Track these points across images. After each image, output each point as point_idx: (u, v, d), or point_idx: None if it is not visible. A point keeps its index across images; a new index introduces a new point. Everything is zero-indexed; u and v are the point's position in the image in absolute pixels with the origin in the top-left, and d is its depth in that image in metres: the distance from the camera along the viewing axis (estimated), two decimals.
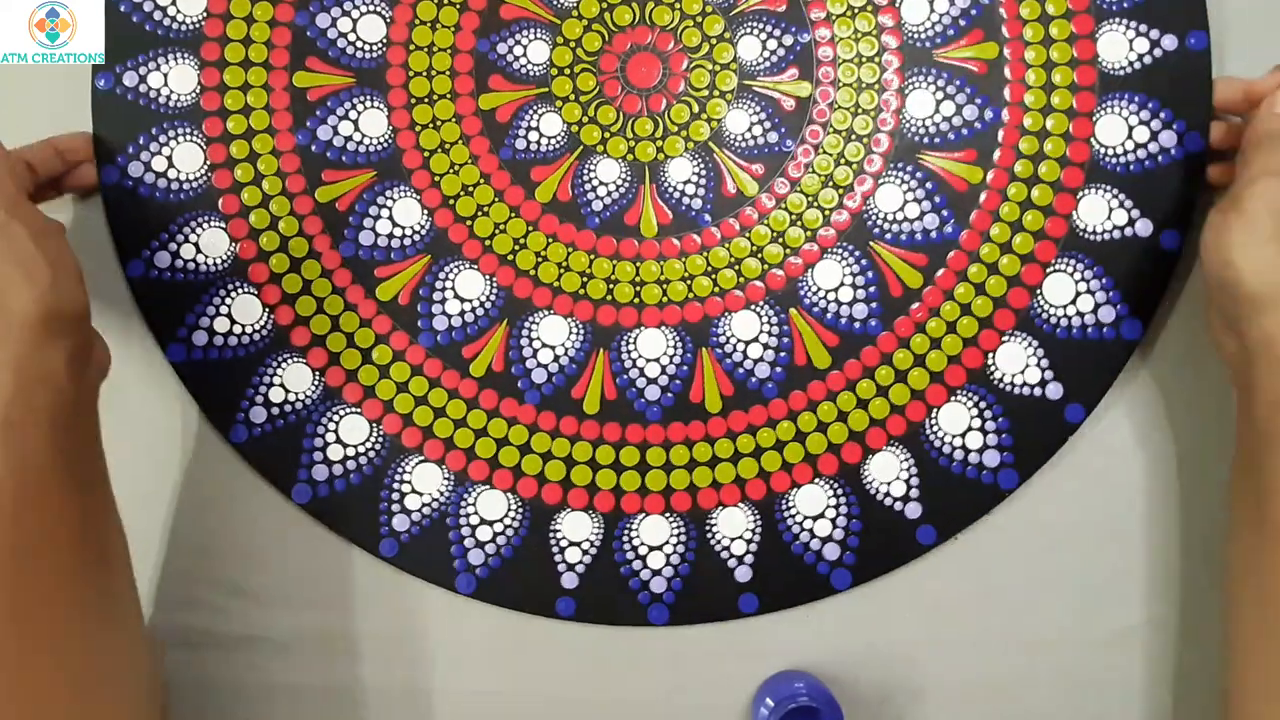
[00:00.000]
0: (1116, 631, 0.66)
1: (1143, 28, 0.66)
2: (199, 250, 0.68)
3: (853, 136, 0.67)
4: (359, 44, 0.68)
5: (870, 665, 0.66)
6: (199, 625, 0.66)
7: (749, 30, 0.68)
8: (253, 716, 0.67)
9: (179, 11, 0.68)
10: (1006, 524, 0.66)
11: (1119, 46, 0.66)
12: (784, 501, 0.66)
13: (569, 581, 0.66)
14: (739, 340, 0.67)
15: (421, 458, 0.67)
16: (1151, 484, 0.66)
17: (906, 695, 0.66)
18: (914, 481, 0.65)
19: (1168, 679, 0.65)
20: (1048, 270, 0.66)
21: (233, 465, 0.67)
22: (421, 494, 0.66)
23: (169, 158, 0.68)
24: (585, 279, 0.67)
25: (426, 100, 0.68)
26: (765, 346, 0.67)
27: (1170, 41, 0.65)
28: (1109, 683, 0.66)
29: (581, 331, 0.67)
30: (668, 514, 0.66)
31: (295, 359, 0.67)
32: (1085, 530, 0.66)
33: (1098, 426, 0.66)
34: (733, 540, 0.66)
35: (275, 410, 0.67)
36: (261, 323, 0.67)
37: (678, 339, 0.67)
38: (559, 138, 0.68)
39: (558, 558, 0.66)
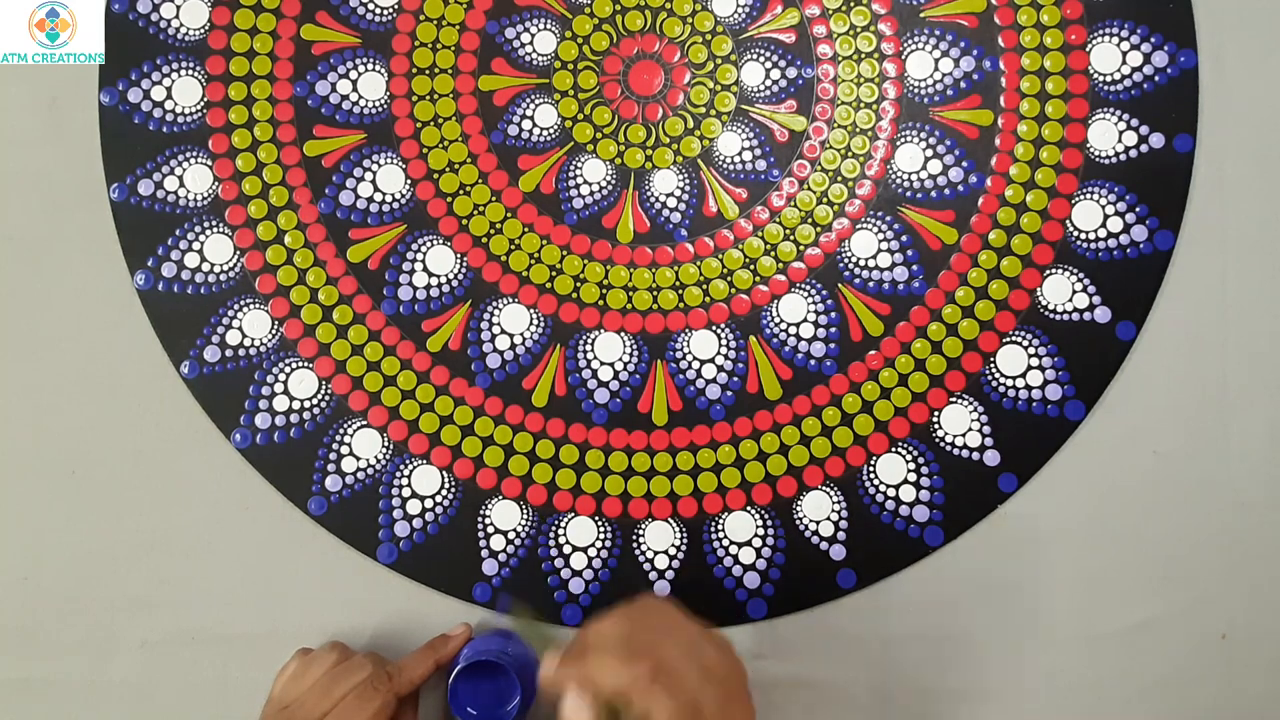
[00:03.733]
0: (1116, 631, 0.66)
1: (1134, 122, 0.67)
2: (182, 184, 0.68)
3: (839, 178, 0.68)
4: (371, 6, 0.69)
5: (869, 664, 0.67)
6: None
7: (755, 57, 0.68)
8: None
9: None
10: (1007, 523, 0.66)
11: (1108, 135, 0.67)
12: (713, 524, 0.67)
13: (489, 568, 0.66)
14: (695, 358, 0.67)
15: (365, 422, 0.67)
16: (1152, 484, 0.67)
17: (905, 695, 0.67)
18: (843, 524, 0.66)
19: (1168, 678, 0.66)
20: (1004, 340, 0.67)
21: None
22: (359, 458, 0.67)
23: (168, 89, 0.68)
24: (554, 273, 0.68)
25: (427, 72, 0.69)
26: (720, 369, 0.67)
27: (1158, 140, 0.66)
28: (1109, 683, 0.66)
29: (542, 324, 0.68)
30: (597, 517, 0.67)
31: (257, 305, 0.68)
32: (1085, 530, 0.67)
33: (1097, 427, 0.66)
34: (657, 554, 0.66)
35: (229, 352, 0.67)
36: (231, 264, 0.68)
37: (635, 347, 0.68)
38: (552, 130, 0.69)
39: (482, 543, 0.66)
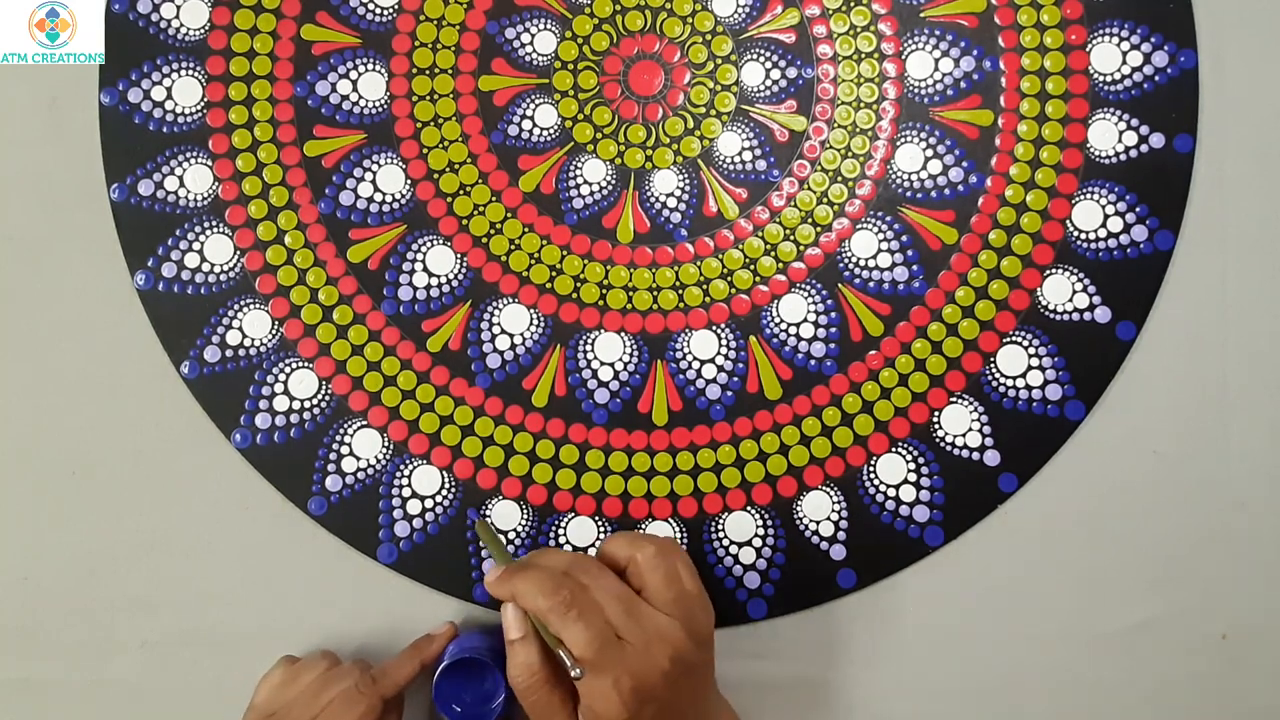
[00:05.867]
0: (1116, 631, 0.66)
1: (1134, 121, 0.67)
2: (182, 184, 0.68)
3: (839, 178, 0.68)
4: (371, 6, 0.69)
5: (869, 664, 0.67)
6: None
7: (755, 57, 0.68)
8: None
9: None
10: (1007, 523, 0.66)
11: (1109, 135, 0.67)
12: (713, 524, 0.67)
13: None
14: (695, 358, 0.67)
15: (365, 423, 0.67)
16: (1152, 484, 0.67)
17: (906, 695, 0.67)
18: (843, 524, 0.66)
19: (1167, 678, 0.66)
20: (1004, 340, 0.67)
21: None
22: (359, 458, 0.67)
23: (168, 89, 0.68)
24: (554, 273, 0.68)
25: (427, 72, 0.69)
26: (720, 369, 0.67)
27: (1158, 140, 0.66)
28: (1109, 682, 0.66)
29: (542, 324, 0.68)
30: (597, 517, 0.67)
31: (257, 305, 0.68)
32: (1085, 530, 0.67)
33: (1097, 427, 0.66)
34: None
35: (229, 352, 0.67)
36: (231, 264, 0.68)
37: (635, 347, 0.68)
38: (552, 130, 0.69)
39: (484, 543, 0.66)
